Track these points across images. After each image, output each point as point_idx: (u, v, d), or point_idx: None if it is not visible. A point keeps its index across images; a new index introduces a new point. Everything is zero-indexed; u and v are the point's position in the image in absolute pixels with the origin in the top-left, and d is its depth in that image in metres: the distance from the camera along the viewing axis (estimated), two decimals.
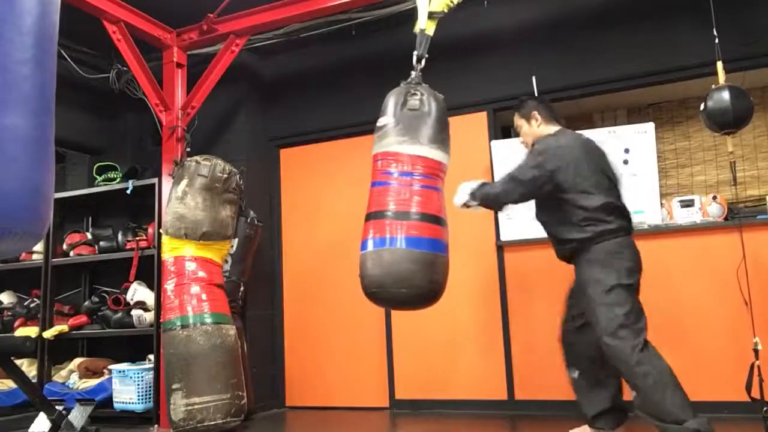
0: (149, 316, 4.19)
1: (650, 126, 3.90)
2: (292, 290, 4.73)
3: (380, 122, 2.81)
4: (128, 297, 4.30)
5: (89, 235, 4.61)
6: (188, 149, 4.14)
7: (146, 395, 4.04)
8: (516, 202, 2.83)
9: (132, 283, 4.30)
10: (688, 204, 3.72)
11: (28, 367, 4.48)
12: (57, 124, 1.58)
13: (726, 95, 2.98)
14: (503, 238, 4.04)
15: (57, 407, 2.75)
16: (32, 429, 3.07)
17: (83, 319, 4.42)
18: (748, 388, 2.74)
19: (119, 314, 4.28)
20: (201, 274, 3.68)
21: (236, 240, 4.05)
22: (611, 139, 3.85)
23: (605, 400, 2.86)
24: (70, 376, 4.38)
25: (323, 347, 4.54)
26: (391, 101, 2.81)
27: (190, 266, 3.67)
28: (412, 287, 2.62)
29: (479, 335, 4.05)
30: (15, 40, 1.42)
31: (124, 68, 4.51)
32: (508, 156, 4.01)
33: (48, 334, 4.35)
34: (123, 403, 4.05)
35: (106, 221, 4.86)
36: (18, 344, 2.69)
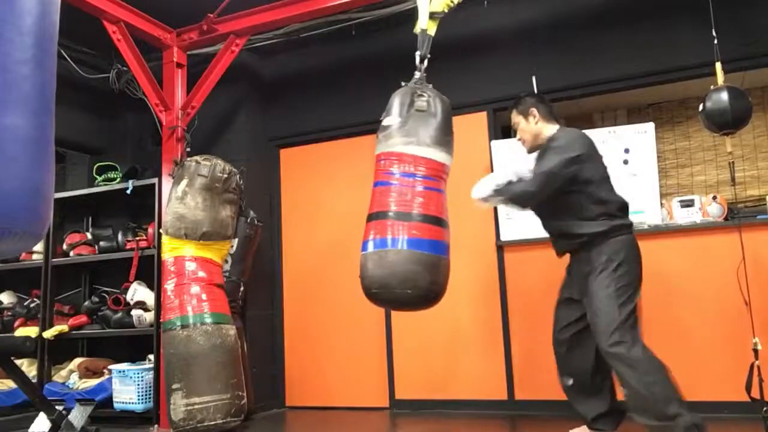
0: (149, 316, 4.19)
1: (650, 126, 3.90)
2: (292, 290, 4.73)
3: (386, 122, 2.79)
4: (128, 297, 4.30)
5: (89, 235, 4.62)
6: (188, 149, 4.14)
7: (146, 395, 4.04)
8: (548, 198, 2.77)
9: (132, 283, 4.30)
10: (688, 204, 3.72)
11: (28, 367, 4.48)
12: (57, 124, 1.58)
13: (724, 96, 2.98)
14: (503, 238, 4.04)
15: (57, 407, 2.75)
16: (32, 429, 3.07)
17: (83, 319, 4.42)
18: (748, 388, 2.74)
19: (119, 314, 4.28)
20: (201, 274, 3.68)
21: (236, 240, 4.05)
22: (611, 139, 3.86)
23: (602, 405, 2.87)
24: (70, 376, 4.38)
25: (323, 347, 4.54)
26: (397, 101, 2.80)
27: (190, 266, 3.67)
28: (415, 288, 2.62)
29: (479, 335, 4.05)
30: (15, 40, 1.42)
31: (124, 68, 4.51)
32: (508, 156, 4.02)
33: (48, 334, 4.35)
34: (123, 403, 4.05)
35: (106, 221, 4.86)
36: (18, 344, 2.70)
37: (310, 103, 4.73)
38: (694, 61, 3.67)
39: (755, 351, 2.77)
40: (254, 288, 4.42)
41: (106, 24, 3.91)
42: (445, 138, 2.80)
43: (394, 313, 4.24)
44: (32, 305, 4.64)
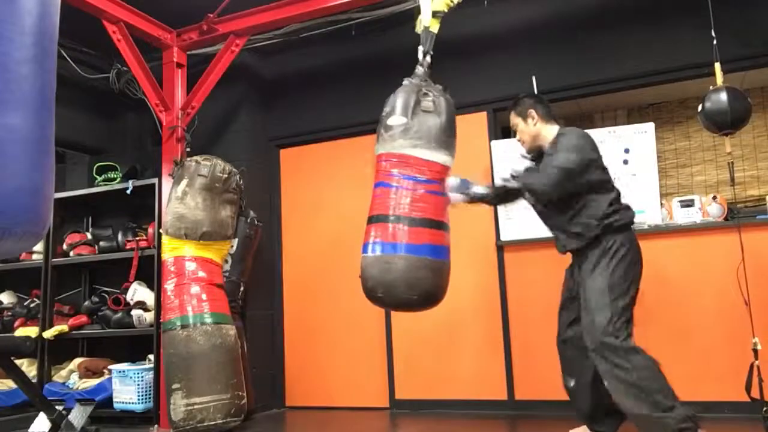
0: (149, 316, 4.19)
1: (650, 126, 3.90)
2: (292, 290, 4.73)
3: (391, 121, 2.74)
4: (128, 297, 4.30)
5: (89, 235, 4.62)
6: (188, 149, 4.14)
7: (146, 395, 4.04)
8: (560, 196, 2.73)
9: (132, 283, 4.30)
10: (688, 204, 3.72)
11: (28, 367, 4.47)
12: (57, 124, 1.58)
13: (724, 96, 2.98)
14: (503, 238, 4.04)
15: (57, 407, 2.75)
16: (32, 429, 3.07)
17: (83, 319, 4.42)
18: (748, 388, 2.74)
19: (119, 314, 4.28)
20: (201, 274, 3.68)
21: (236, 240, 4.05)
22: (611, 139, 3.86)
23: (603, 406, 2.86)
24: (70, 376, 4.38)
25: (323, 347, 4.54)
26: (401, 100, 2.76)
27: (190, 266, 3.67)
28: (421, 293, 2.63)
29: (479, 335, 4.05)
30: (15, 40, 1.42)
31: (124, 68, 4.51)
32: (508, 156, 4.02)
33: (48, 334, 4.35)
34: (123, 403, 4.05)
35: (106, 221, 4.86)
36: (18, 344, 2.70)
37: (310, 103, 4.73)
38: (693, 61, 3.67)
39: (755, 351, 2.77)
40: (254, 288, 4.42)
41: (106, 24, 3.91)
42: (449, 139, 2.79)
43: (394, 313, 4.24)
44: (32, 305, 4.64)
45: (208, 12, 4.04)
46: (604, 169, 2.79)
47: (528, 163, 3.00)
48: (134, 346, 4.46)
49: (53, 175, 1.57)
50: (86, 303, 4.50)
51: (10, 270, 4.78)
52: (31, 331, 4.45)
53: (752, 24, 3.61)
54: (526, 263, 3.98)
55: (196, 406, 3.41)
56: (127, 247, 4.37)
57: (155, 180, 4.31)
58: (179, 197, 3.73)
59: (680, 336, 3.54)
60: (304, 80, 4.77)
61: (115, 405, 4.07)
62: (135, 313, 4.21)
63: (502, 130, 4.35)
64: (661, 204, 3.80)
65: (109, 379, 4.17)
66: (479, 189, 2.82)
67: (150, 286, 4.31)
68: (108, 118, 5.05)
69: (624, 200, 2.81)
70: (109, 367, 4.22)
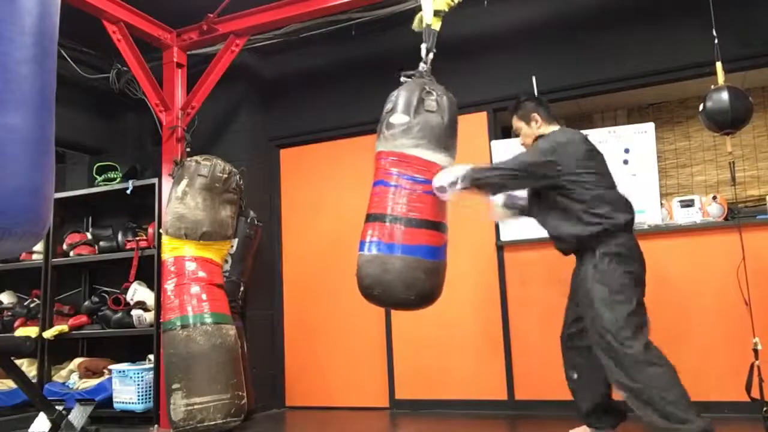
0: (149, 316, 4.19)
1: (650, 126, 3.90)
2: (292, 290, 4.73)
3: (393, 119, 2.71)
4: (128, 297, 4.30)
5: (89, 235, 4.62)
6: (188, 149, 4.14)
7: (146, 395, 4.04)
8: (513, 189, 2.84)
9: (132, 283, 4.30)
10: (688, 204, 3.72)
11: (28, 367, 4.47)
12: (57, 124, 1.58)
13: (725, 96, 2.98)
14: (503, 238, 4.04)
15: (57, 407, 2.76)
16: (32, 429, 3.07)
17: (83, 319, 4.42)
18: (748, 388, 2.74)
19: (119, 314, 4.28)
20: (201, 274, 3.67)
21: (236, 240, 4.05)
22: (611, 139, 3.86)
23: (604, 402, 2.86)
24: (70, 376, 4.38)
25: (323, 347, 4.54)
26: (404, 98, 2.72)
27: (190, 266, 3.67)
28: (419, 293, 2.63)
29: (479, 335, 4.05)
30: (15, 40, 1.42)
31: (124, 68, 4.51)
32: (508, 156, 4.02)
33: (48, 334, 4.35)
34: (123, 403, 4.05)
35: (106, 221, 4.86)
36: (18, 344, 2.70)
37: (310, 103, 4.73)
38: (693, 61, 3.67)
39: (755, 351, 2.77)
40: (254, 288, 4.42)
41: (106, 24, 3.91)
42: (450, 140, 2.79)
43: (394, 313, 4.25)
44: (32, 305, 4.64)
45: (208, 12, 4.04)
46: (597, 171, 2.75)
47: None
48: (134, 346, 4.46)
49: (53, 175, 1.57)
50: (86, 303, 4.50)
51: (10, 270, 4.78)
52: (31, 331, 4.45)
53: (752, 24, 3.61)
54: (526, 263, 3.98)
55: (196, 406, 3.41)
56: (127, 247, 4.37)
57: (155, 180, 4.31)
58: (179, 197, 3.73)
59: (680, 336, 3.53)
60: (304, 80, 4.77)
61: (115, 405, 4.07)
62: (135, 313, 4.21)
63: (502, 130, 4.35)
64: (661, 204, 3.80)
65: (109, 379, 4.17)
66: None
67: (150, 286, 4.31)
68: (108, 118, 5.05)
69: (623, 201, 2.78)
70: (109, 367, 4.22)
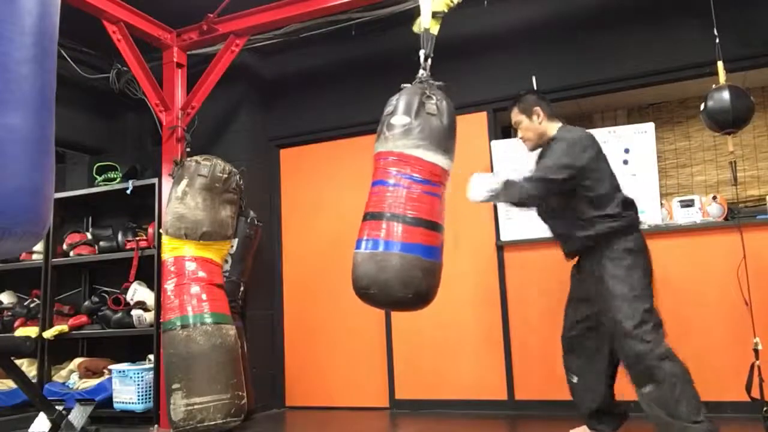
0: (149, 316, 4.19)
1: (650, 126, 3.90)
2: (292, 290, 4.73)
3: (394, 120, 2.72)
4: (128, 297, 4.30)
5: (89, 235, 4.62)
6: (188, 149, 4.14)
7: (146, 395, 4.04)
8: (543, 199, 2.77)
9: (132, 283, 4.30)
10: (688, 204, 3.72)
11: (28, 367, 4.47)
12: (57, 124, 1.58)
13: (726, 95, 2.98)
14: (503, 238, 4.04)
15: (57, 407, 2.75)
16: (32, 429, 3.07)
17: (83, 319, 4.42)
18: (748, 388, 2.74)
19: (119, 314, 4.27)
20: (201, 274, 3.67)
21: (236, 240, 4.05)
22: (611, 139, 3.86)
23: (606, 404, 2.86)
24: (70, 376, 4.38)
25: (323, 347, 4.54)
26: (405, 101, 2.74)
27: (190, 266, 3.67)
28: (415, 293, 2.63)
29: (479, 335, 4.05)
30: (15, 40, 1.42)
31: (124, 68, 4.51)
32: (508, 156, 4.02)
33: (48, 334, 4.35)
34: (123, 403, 4.05)
35: (106, 221, 4.86)
36: (18, 344, 2.70)
37: (311, 103, 4.73)
38: (694, 61, 3.67)
39: (755, 351, 2.77)
40: (254, 288, 4.42)
41: (106, 24, 3.90)
42: (449, 143, 2.79)
43: (394, 314, 4.24)
44: (32, 305, 4.64)
45: (208, 12, 4.04)
46: (603, 170, 2.76)
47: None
48: (134, 346, 4.46)
49: (53, 175, 1.56)
50: (86, 303, 4.50)
51: (10, 270, 4.78)
52: (31, 331, 4.45)
53: (753, 24, 3.61)
54: (526, 263, 3.98)
55: (196, 406, 3.41)
56: (127, 247, 4.37)
57: (155, 180, 4.31)
58: (179, 197, 3.73)
59: (680, 336, 3.51)
60: (304, 80, 4.77)
61: (115, 405, 4.07)
62: (135, 313, 4.21)
63: (502, 130, 4.35)
64: (661, 204, 3.80)
65: (109, 379, 4.17)
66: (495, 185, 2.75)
67: (150, 286, 4.31)
68: (108, 118, 5.05)
69: (629, 200, 2.78)
70: (109, 367, 4.22)
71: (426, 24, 2.93)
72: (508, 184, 2.68)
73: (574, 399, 2.95)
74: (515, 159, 3.91)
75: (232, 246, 4.00)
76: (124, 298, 4.31)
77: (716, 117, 3.02)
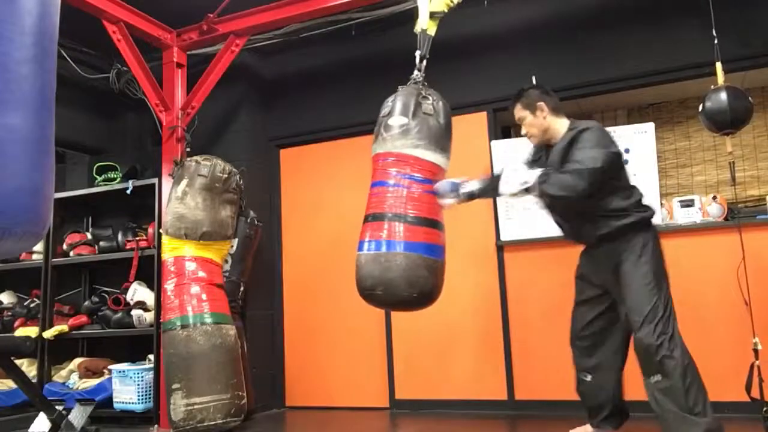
0: (149, 316, 4.19)
1: (650, 126, 3.90)
2: (292, 290, 4.73)
3: (392, 122, 2.73)
4: (128, 297, 4.30)
5: (89, 235, 4.62)
6: (188, 149, 4.14)
7: (146, 395, 4.04)
8: (592, 191, 2.59)
9: (132, 283, 4.30)
10: (688, 204, 3.72)
11: (28, 367, 4.47)
12: (57, 124, 1.58)
13: (724, 96, 2.98)
14: (503, 238, 4.04)
15: (57, 407, 2.75)
16: (32, 429, 3.07)
17: (83, 319, 4.42)
18: (748, 388, 2.75)
19: (119, 314, 4.27)
20: (201, 274, 3.67)
21: (236, 240, 4.05)
22: None
23: (613, 403, 2.85)
24: (70, 376, 4.38)
25: (323, 347, 4.54)
26: (401, 102, 2.75)
27: (190, 266, 3.67)
28: (421, 292, 2.63)
29: (479, 335, 4.05)
30: (15, 40, 1.42)
31: (124, 68, 4.51)
32: (508, 156, 4.02)
33: (48, 334, 4.35)
34: (123, 403, 4.05)
35: (106, 221, 4.86)
36: (18, 344, 2.70)
37: (310, 103, 4.73)
38: (693, 61, 3.67)
39: (755, 351, 2.78)
40: (254, 288, 4.42)
41: (106, 24, 3.91)
42: (446, 143, 2.80)
43: (394, 313, 4.24)
44: (32, 305, 4.64)
45: (208, 12, 4.04)
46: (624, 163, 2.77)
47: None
48: (134, 346, 4.46)
49: (53, 175, 1.56)
50: (86, 303, 4.50)
51: (10, 270, 4.77)
52: (31, 331, 4.45)
53: (752, 24, 3.61)
54: (526, 263, 3.98)
55: (196, 406, 3.41)
56: (127, 247, 4.37)
57: (155, 180, 4.31)
58: (179, 197, 3.73)
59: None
60: (304, 80, 4.77)
61: (115, 405, 4.07)
62: (135, 313, 4.21)
63: (502, 130, 4.35)
64: (661, 204, 3.80)
65: (109, 379, 4.17)
66: (471, 187, 2.70)
67: (150, 286, 4.31)
68: (108, 118, 5.05)
69: (642, 195, 2.78)
70: (109, 367, 4.22)
71: (423, 24, 2.93)
72: (545, 176, 2.56)
73: (585, 397, 2.91)
74: (515, 159, 3.90)
75: (232, 246, 4.01)
76: (124, 298, 4.31)
77: (714, 118, 3.03)
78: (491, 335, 4.01)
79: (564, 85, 4.01)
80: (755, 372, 2.74)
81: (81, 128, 4.83)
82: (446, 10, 2.99)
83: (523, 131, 2.89)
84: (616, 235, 2.67)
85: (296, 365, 4.61)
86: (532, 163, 2.92)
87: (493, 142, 4.13)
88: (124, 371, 4.09)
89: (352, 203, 4.28)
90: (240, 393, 3.58)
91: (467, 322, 4.09)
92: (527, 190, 2.59)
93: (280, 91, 4.86)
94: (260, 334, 4.54)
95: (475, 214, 3.98)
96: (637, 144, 3.84)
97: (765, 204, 3.93)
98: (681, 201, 3.76)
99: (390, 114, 2.77)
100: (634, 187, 2.75)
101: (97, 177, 4.59)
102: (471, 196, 2.76)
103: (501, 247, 4.06)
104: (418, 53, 2.91)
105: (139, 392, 4.02)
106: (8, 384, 4.22)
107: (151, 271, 4.22)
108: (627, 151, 3.84)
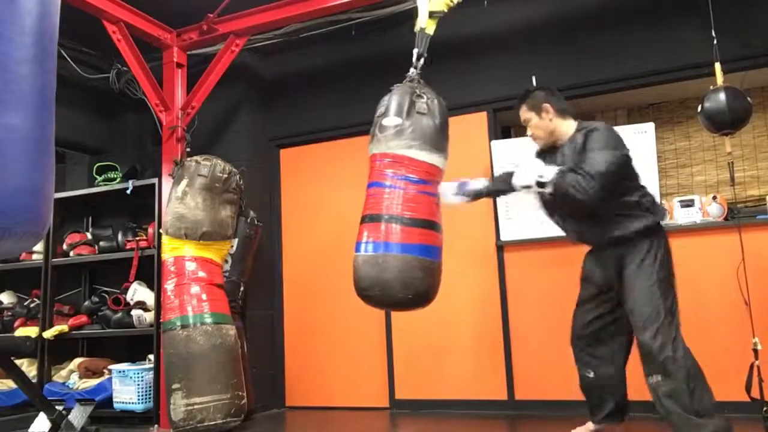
0: (149, 316, 4.19)
1: (650, 126, 3.90)
2: (292, 290, 4.73)
3: (386, 122, 2.73)
4: (128, 297, 4.30)
5: (89, 235, 4.62)
6: (188, 149, 4.14)
7: (146, 395, 4.04)
8: (607, 193, 2.56)
9: (132, 283, 4.30)
10: (688, 204, 3.72)
11: (28, 367, 4.48)
12: (57, 124, 1.58)
13: (723, 96, 2.98)
14: (503, 238, 4.04)
15: (57, 407, 2.75)
16: (32, 429, 3.07)
17: (83, 319, 4.42)
18: (748, 388, 2.74)
19: (119, 314, 4.28)
20: (201, 274, 3.68)
21: (236, 240, 4.05)
22: None
23: (615, 400, 2.85)
24: (70, 376, 4.38)
25: (323, 347, 4.54)
26: (396, 101, 2.74)
27: (190, 266, 3.67)
28: (416, 293, 2.63)
29: (479, 335, 4.05)
30: (15, 40, 1.42)
31: (124, 68, 4.51)
32: (508, 156, 4.02)
33: (48, 334, 4.35)
34: (123, 403, 4.05)
35: (106, 221, 4.86)
36: (18, 344, 2.70)
37: (310, 103, 4.73)
38: (693, 61, 3.67)
39: (755, 351, 2.77)
40: (254, 288, 4.42)
41: (106, 24, 3.91)
42: (442, 142, 2.79)
43: (394, 314, 4.24)
44: (32, 305, 4.64)
45: (208, 12, 4.04)
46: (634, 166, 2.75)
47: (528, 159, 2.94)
48: (134, 346, 4.46)
49: (53, 175, 1.57)
50: (86, 303, 4.50)
51: (10, 270, 4.78)
52: (31, 331, 4.45)
53: (752, 24, 3.61)
54: (526, 263, 3.98)
55: (196, 406, 3.41)
56: (127, 247, 4.37)
57: (155, 180, 4.31)
58: (179, 197, 3.73)
59: None
60: (304, 80, 4.77)
61: (115, 405, 4.07)
62: (135, 313, 4.21)
63: (502, 130, 4.35)
64: (661, 204, 3.80)
65: (109, 379, 4.17)
66: (476, 185, 2.80)
67: (150, 286, 4.31)
68: (108, 118, 5.05)
69: (654, 198, 2.77)
70: (109, 367, 4.22)
71: (422, 23, 2.93)
72: (562, 174, 2.52)
73: (587, 393, 2.91)
74: (515, 159, 3.90)
75: (232, 246, 4.01)
76: (124, 298, 4.31)
77: (714, 118, 3.03)
78: (491, 335, 4.01)
79: (564, 85, 3.99)
80: (755, 372, 2.74)
81: (81, 128, 4.83)
82: (446, 10, 2.99)
83: (529, 132, 2.87)
84: (627, 238, 2.65)
85: (296, 365, 4.61)
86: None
87: (493, 142, 4.13)
88: (124, 371, 4.09)
89: (352, 203, 4.27)
90: (240, 393, 3.58)
91: (467, 322, 4.09)
92: (541, 185, 2.55)
93: (280, 91, 4.86)
94: (260, 334, 4.54)
95: (475, 214, 3.98)
96: (637, 144, 3.82)
97: (765, 204, 3.93)
98: (681, 201, 3.76)
99: (384, 114, 2.76)
100: (644, 187, 2.75)
101: (97, 177, 4.59)
102: (478, 195, 2.80)
103: (501, 247, 4.06)
104: (415, 51, 2.90)
105: (139, 392, 4.02)
106: (8, 384, 4.22)
107: (151, 271, 4.22)
108: None
